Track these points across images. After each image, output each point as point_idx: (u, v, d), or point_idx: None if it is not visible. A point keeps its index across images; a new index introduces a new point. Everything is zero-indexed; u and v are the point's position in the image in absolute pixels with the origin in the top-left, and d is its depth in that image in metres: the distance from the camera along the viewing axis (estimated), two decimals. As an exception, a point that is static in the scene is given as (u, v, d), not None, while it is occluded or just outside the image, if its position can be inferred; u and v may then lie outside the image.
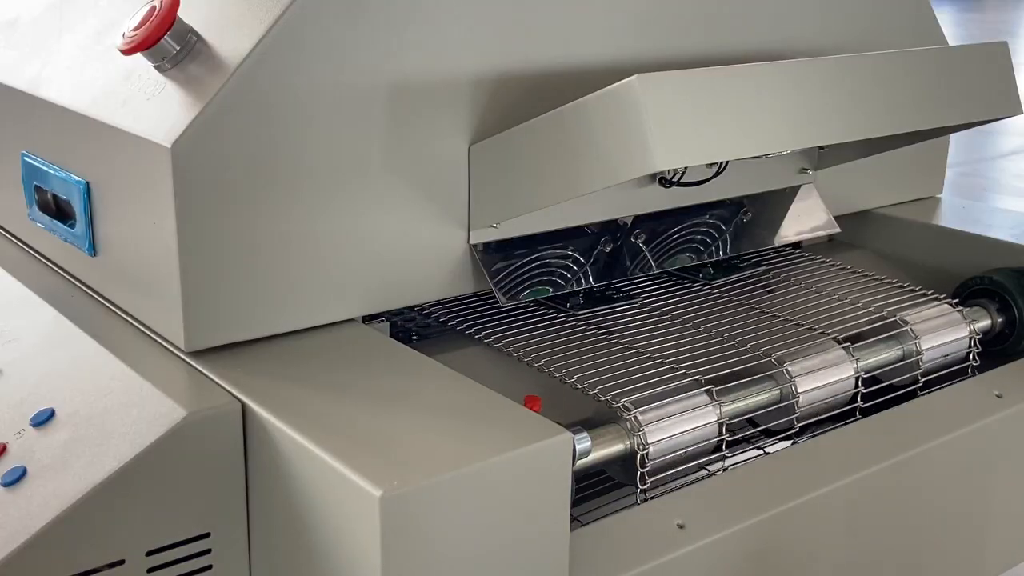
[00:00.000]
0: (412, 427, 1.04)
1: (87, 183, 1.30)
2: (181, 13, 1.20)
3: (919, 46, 1.71)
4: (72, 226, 1.36)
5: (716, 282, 1.62)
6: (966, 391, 1.45)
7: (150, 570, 1.06)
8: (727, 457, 1.28)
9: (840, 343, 1.42)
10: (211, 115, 1.13)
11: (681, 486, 1.22)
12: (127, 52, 1.20)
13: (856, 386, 1.40)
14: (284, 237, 1.20)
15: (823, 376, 1.37)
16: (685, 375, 1.29)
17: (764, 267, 1.67)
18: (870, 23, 1.68)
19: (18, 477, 1.07)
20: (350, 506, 0.96)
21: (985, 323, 1.58)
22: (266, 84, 1.15)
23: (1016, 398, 1.42)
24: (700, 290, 1.61)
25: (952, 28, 11.00)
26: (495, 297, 1.37)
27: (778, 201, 1.69)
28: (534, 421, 1.05)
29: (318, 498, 1.01)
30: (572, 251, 1.46)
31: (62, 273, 1.44)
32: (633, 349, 1.38)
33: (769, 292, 1.61)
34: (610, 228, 1.50)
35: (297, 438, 1.02)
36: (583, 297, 1.51)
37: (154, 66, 1.22)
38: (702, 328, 1.46)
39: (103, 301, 1.34)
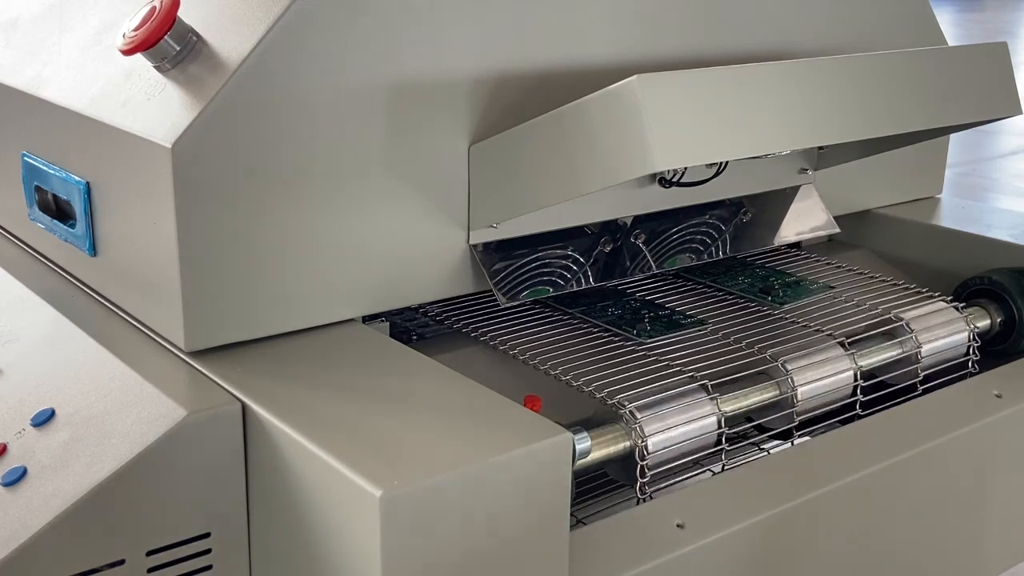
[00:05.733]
0: (412, 427, 1.04)
1: (87, 183, 1.30)
2: (181, 13, 1.20)
3: (919, 46, 1.71)
4: (72, 226, 1.36)
5: (787, 306, 1.53)
6: (966, 391, 1.45)
7: (150, 570, 1.06)
8: (727, 457, 1.28)
9: (840, 343, 1.42)
10: (211, 115, 1.13)
11: (681, 486, 1.22)
12: (127, 52, 1.20)
13: (856, 386, 1.40)
14: (284, 237, 1.20)
15: (823, 376, 1.37)
16: (687, 376, 1.29)
17: (834, 289, 1.59)
18: (870, 23, 1.68)
19: (18, 477, 1.07)
20: (350, 506, 0.96)
21: (985, 323, 1.58)
22: (266, 84, 1.15)
23: (1016, 398, 1.42)
24: (702, 291, 1.61)
25: (952, 28, 11.00)
26: (495, 297, 1.37)
27: (778, 201, 1.69)
28: (534, 421, 1.05)
29: (318, 498, 1.01)
30: (572, 251, 1.46)
31: (62, 273, 1.44)
32: (637, 351, 1.38)
33: (769, 292, 1.61)
34: (610, 228, 1.50)
35: (297, 438, 1.02)
36: (649, 323, 1.44)
37: (154, 66, 1.22)
38: (704, 328, 1.46)
39: (103, 301, 1.34)
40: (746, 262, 1.69)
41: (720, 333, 1.43)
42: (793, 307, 1.53)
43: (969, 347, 1.52)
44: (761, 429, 1.39)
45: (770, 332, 1.45)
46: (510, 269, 1.38)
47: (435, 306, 1.47)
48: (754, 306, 1.54)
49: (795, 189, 1.70)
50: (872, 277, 1.66)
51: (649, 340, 1.39)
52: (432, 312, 1.46)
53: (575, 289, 1.48)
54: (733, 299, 1.57)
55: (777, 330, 1.46)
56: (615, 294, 1.54)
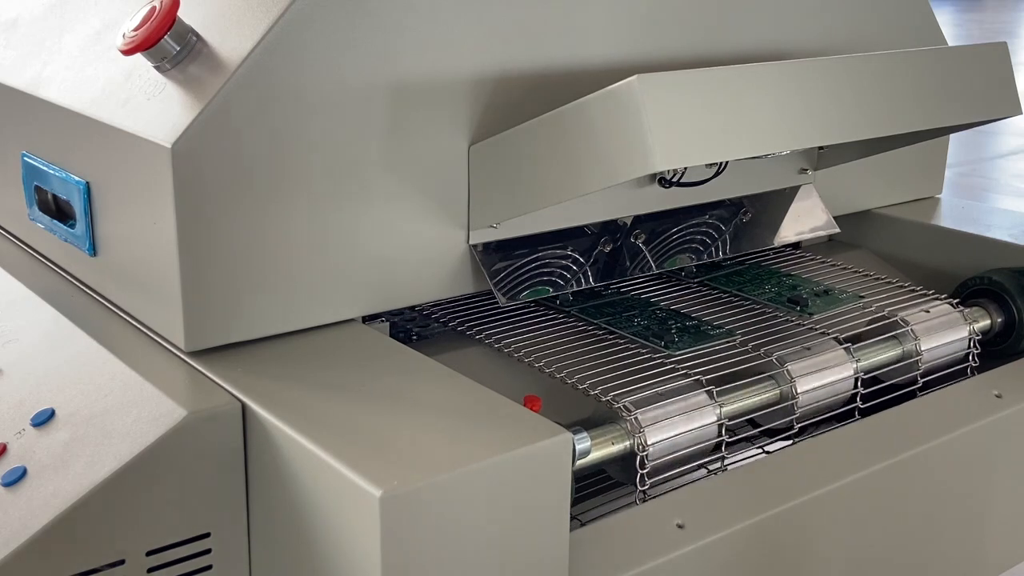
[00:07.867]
0: (412, 427, 1.04)
1: (87, 183, 1.30)
2: (181, 13, 1.20)
3: (919, 46, 1.71)
4: (72, 226, 1.36)
5: (816, 316, 1.50)
6: (965, 391, 1.45)
7: (150, 570, 1.06)
8: (727, 457, 1.28)
9: (840, 343, 1.42)
10: (211, 115, 1.13)
11: (681, 486, 1.22)
12: (127, 52, 1.20)
13: (856, 386, 1.40)
14: (284, 237, 1.20)
15: (823, 376, 1.37)
16: (685, 375, 1.29)
17: (864, 299, 1.56)
18: (870, 23, 1.68)
19: (18, 477, 1.07)
20: (350, 506, 0.96)
21: (985, 323, 1.58)
22: (266, 84, 1.15)
23: (1015, 398, 1.42)
24: (700, 290, 1.61)
25: (952, 28, 11.00)
26: (495, 297, 1.37)
27: (778, 201, 1.69)
28: (534, 421, 1.05)
29: (318, 498, 1.01)
30: (572, 251, 1.46)
31: (62, 273, 1.44)
32: (631, 348, 1.38)
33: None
34: (610, 228, 1.50)
35: (297, 438, 1.02)
36: (677, 334, 1.41)
37: (154, 66, 1.22)
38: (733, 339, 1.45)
39: (103, 301, 1.34)
40: (771, 270, 1.68)
41: (734, 339, 1.43)
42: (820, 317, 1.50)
43: (969, 346, 1.52)
44: (759, 427, 1.39)
45: (771, 332, 1.45)
46: (510, 269, 1.38)
47: (435, 306, 1.47)
48: (783, 316, 1.52)
49: (795, 189, 1.70)
50: (872, 277, 1.66)
51: (678, 352, 1.36)
52: (432, 312, 1.46)
53: (581, 287, 1.48)
54: (760, 308, 1.54)
55: (778, 330, 1.46)
56: (640, 304, 1.53)
